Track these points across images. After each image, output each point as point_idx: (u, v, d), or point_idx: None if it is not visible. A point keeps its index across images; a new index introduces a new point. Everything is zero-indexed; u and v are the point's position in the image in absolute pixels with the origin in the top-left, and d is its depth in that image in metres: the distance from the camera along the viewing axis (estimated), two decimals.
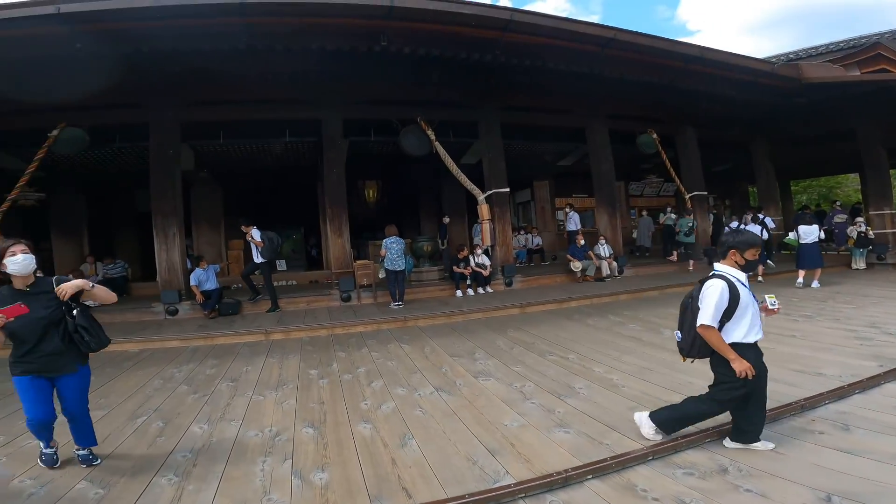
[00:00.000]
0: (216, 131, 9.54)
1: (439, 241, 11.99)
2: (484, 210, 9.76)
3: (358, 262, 9.14)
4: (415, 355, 5.43)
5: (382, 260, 8.40)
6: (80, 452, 2.97)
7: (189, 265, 8.71)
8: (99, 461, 2.98)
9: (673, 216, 12.88)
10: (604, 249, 10.68)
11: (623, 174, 15.29)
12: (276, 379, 4.75)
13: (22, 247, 2.67)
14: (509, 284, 9.85)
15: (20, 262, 2.63)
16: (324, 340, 6.46)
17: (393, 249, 8.28)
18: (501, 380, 4.41)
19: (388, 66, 8.10)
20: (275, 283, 8.78)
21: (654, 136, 11.59)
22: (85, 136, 8.26)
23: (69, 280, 2.79)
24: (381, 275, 8.72)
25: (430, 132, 9.60)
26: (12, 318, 2.59)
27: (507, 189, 10.27)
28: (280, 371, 5.04)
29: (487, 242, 9.82)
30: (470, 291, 9.36)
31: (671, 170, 12.16)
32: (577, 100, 10.70)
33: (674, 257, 11.95)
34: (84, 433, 2.96)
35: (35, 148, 8.03)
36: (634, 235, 15.52)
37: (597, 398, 3.80)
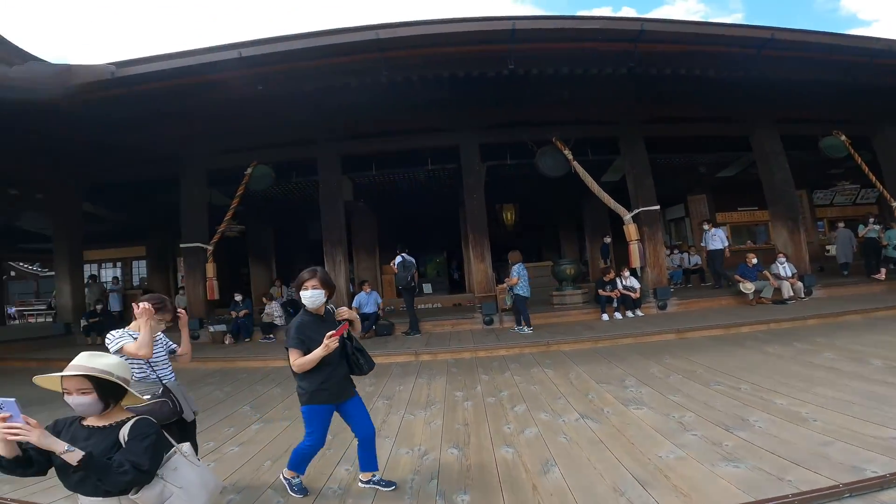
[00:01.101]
0: (369, 163, 10.59)
1: (602, 261, 11.53)
2: (631, 230, 9.17)
3: (500, 285, 9.24)
4: (558, 380, 5.27)
5: (512, 289, 8.26)
6: (375, 478, 2.95)
7: (352, 289, 9.77)
8: (395, 486, 2.94)
9: (877, 227, 10.53)
10: (784, 268, 9.15)
11: (804, 182, 13.10)
12: (425, 399, 4.94)
13: (314, 282, 2.72)
14: (663, 308, 9.03)
15: (309, 297, 2.71)
16: (468, 363, 6.61)
17: (525, 276, 8.22)
18: (656, 409, 4.04)
19: (517, 89, 8.24)
20: (421, 306, 9.31)
21: (843, 137, 9.86)
22: (271, 173, 9.80)
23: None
24: (508, 303, 8.46)
25: (566, 151, 9.43)
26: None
27: (657, 206, 9.53)
28: (428, 392, 5.24)
29: (636, 264, 9.16)
30: (618, 315, 8.79)
31: (870, 174, 10.06)
32: (736, 105, 9.67)
33: (881, 275, 9.72)
34: (373, 456, 2.95)
35: (235, 185, 9.72)
36: (831, 251, 13.00)
37: (777, 432, 3.27)
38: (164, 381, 2.71)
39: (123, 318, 13.17)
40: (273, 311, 9.75)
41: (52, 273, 16.76)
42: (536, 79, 7.59)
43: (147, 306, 2.63)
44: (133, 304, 2.74)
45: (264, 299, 10.18)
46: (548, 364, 6.11)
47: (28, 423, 1.52)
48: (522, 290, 8.15)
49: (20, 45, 7.27)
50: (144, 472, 1.62)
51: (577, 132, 9.64)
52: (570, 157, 9.41)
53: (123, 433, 1.67)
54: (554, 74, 7.49)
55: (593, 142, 10.03)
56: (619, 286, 8.93)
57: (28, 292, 19.89)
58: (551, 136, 9.50)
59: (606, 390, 4.73)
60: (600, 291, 8.97)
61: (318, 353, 2.56)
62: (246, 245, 14.35)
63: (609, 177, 11.00)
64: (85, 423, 1.72)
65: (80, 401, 1.66)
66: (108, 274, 16.77)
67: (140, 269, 16.97)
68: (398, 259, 8.72)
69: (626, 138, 9.73)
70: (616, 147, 9.91)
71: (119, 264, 17.13)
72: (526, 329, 8.06)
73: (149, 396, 2.59)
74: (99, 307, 10.99)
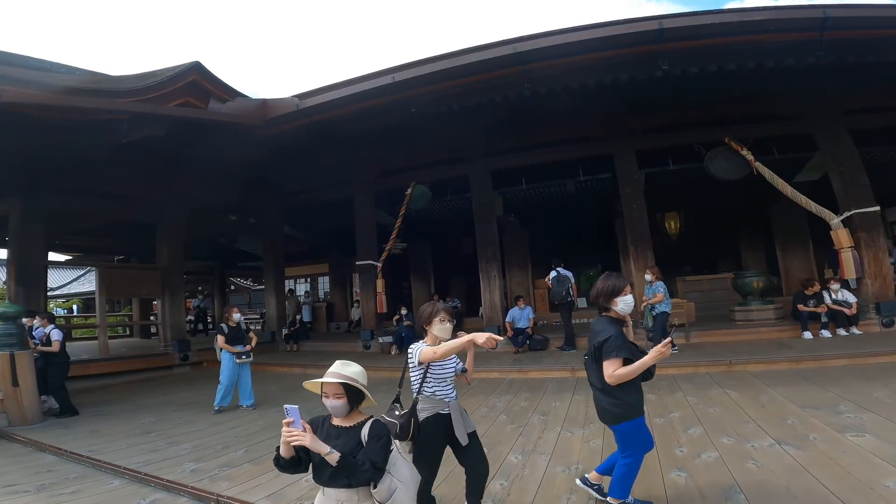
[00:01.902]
0: (518, 177, 10.66)
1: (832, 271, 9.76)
2: (841, 236, 7.62)
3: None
4: (745, 403, 4.58)
5: (650, 308, 7.36)
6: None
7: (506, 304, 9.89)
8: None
9: None
10: None
11: None
12: (583, 416, 4.73)
13: (630, 289, 2.64)
14: (888, 325, 7.29)
15: (629, 302, 2.60)
16: None
17: (668, 292, 7.45)
18: (884, 437, 3.31)
19: (675, 90, 7.64)
20: (577, 321, 8.94)
21: None
22: (428, 192, 10.52)
23: None
24: (650, 324, 7.46)
25: (744, 152, 8.32)
26: None
27: (876, 207, 7.81)
28: (587, 409, 4.99)
29: (851, 275, 7.53)
30: (825, 333, 7.28)
31: None
32: None
33: None
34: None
35: (398, 205, 10.61)
36: None
37: None
38: (447, 400, 2.62)
39: (313, 329, 15.35)
40: None
41: (262, 287, 20.37)
42: (691, 78, 6.94)
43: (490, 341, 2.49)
44: (433, 313, 2.66)
45: None
46: (730, 385, 5.36)
47: (304, 429, 1.80)
48: (668, 307, 7.37)
49: (227, 82, 9.05)
50: (379, 468, 1.84)
51: (755, 130, 8.52)
52: (750, 157, 8.28)
53: (364, 433, 1.90)
54: (718, 71, 6.77)
55: (778, 139, 8.69)
56: (828, 300, 7.41)
57: (243, 304, 24.50)
58: (722, 136, 8.52)
59: (812, 415, 3.98)
60: (800, 307, 7.59)
61: (650, 359, 2.41)
62: (407, 261, 15.57)
63: (804, 176, 9.31)
64: (334, 422, 1.98)
65: (334, 403, 1.92)
66: (301, 289, 19.76)
67: (324, 284, 19.65)
68: (553, 274, 8.56)
69: (824, 132, 8.28)
70: (809, 143, 8.41)
71: (308, 280, 20.07)
72: (673, 349, 7.21)
73: (428, 414, 2.57)
74: (298, 317, 12.95)
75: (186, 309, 13.83)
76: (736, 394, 4.94)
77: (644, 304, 7.41)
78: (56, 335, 6.64)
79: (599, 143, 9.35)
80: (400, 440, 2.43)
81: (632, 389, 2.53)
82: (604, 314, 2.65)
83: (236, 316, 6.51)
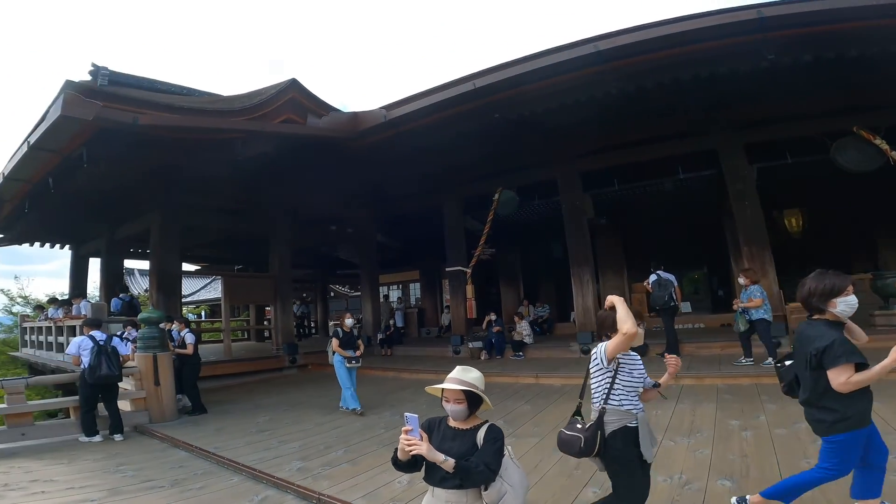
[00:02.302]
0: (609, 178, 10.24)
1: None
2: None
3: (791, 304, 7.59)
4: (891, 416, 4.02)
5: (745, 313, 6.68)
6: None
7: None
8: None
9: None
10: None
11: None
12: (687, 426, 4.49)
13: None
14: None
15: (851, 303, 2.34)
16: (746, 389, 5.65)
17: (766, 297, 6.70)
18: None
19: (784, 80, 6.97)
20: (679, 326, 8.34)
21: None
22: (515, 197, 10.44)
23: None
24: (742, 328, 6.79)
25: (877, 141, 7.32)
26: None
27: None
28: (693, 418, 4.72)
29: None
30: None
31: None
32: None
33: None
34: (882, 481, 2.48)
35: (485, 211, 10.67)
36: None
37: None
38: (635, 412, 2.40)
39: (405, 334, 15.88)
40: (523, 329, 10.22)
41: (358, 294, 21.48)
42: (802, 66, 6.30)
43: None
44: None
45: (516, 318, 10.79)
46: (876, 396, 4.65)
47: (421, 438, 1.86)
48: (767, 313, 6.64)
49: (322, 98, 9.66)
50: (493, 471, 1.89)
51: (889, 117, 7.42)
52: (885, 146, 7.30)
53: (480, 436, 1.95)
54: (836, 59, 6.09)
55: None
56: None
57: (341, 309, 26.11)
58: (847, 126, 7.57)
59: None
60: None
61: (889, 362, 2.13)
62: (495, 267, 15.57)
63: None
64: (450, 424, 2.04)
65: (455, 408, 1.99)
66: (394, 295, 20.57)
67: (415, 290, 20.29)
68: (652, 277, 8.08)
69: None
70: None
71: (400, 286, 20.84)
72: (766, 361, 6.49)
73: (615, 427, 2.36)
74: (391, 322, 13.51)
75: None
76: (879, 404, 4.28)
77: (736, 307, 6.84)
78: (190, 338, 7.48)
79: (701, 138, 8.72)
80: (584, 456, 2.35)
81: (861, 398, 2.29)
82: (816, 317, 2.41)
83: (349, 321, 6.76)
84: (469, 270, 10.96)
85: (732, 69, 6.50)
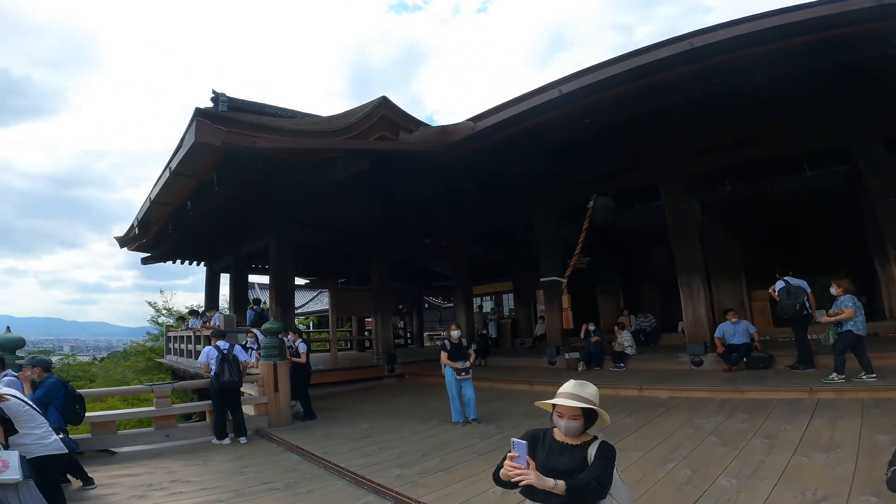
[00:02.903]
0: (720, 179, 9.40)
1: None
2: None
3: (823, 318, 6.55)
4: None
5: (838, 326, 5.94)
6: None
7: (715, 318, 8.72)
8: None
9: None
10: None
11: None
12: (825, 441, 4.05)
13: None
14: None
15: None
16: None
17: (861, 309, 5.87)
18: None
19: None
20: (815, 337, 7.34)
21: None
22: (612, 204, 9.95)
23: None
24: (831, 340, 6.05)
25: None
26: None
27: None
28: (832, 433, 4.24)
29: None
30: None
31: None
32: None
33: None
34: None
35: (580, 219, 10.21)
36: None
37: None
38: None
39: (498, 344, 15.78)
40: (624, 340, 9.72)
41: (451, 305, 21.74)
42: None
43: None
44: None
45: (616, 328, 10.24)
46: None
47: (528, 465, 1.75)
48: (858, 327, 5.83)
49: (409, 112, 9.96)
50: (605, 487, 1.83)
51: None
52: None
53: (591, 452, 1.88)
54: None
55: None
56: None
57: (434, 321, 26.62)
58: None
59: None
60: None
61: None
62: (593, 275, 14.93)
63: None
64: (557, 437, 1.96)
65: (571, 425, 1.90)
66: (486, 306, 20.60)
67: (508, 301, 20.13)
68: (779, 284, 7.27)
69: None
70: None
71: (492, 297, 20.82)
72: (864, 377, 5.71)
73: None
74: (484, 332, 13.54)
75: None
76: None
77: (828, 319, 6.08)
78: (303, 347, 8.06)
79: (828, 132, 7.79)
80: None
81: None
82: None
83: (455, 333, 6.71)
84: (564, 280, 10.62)
85: (863, 57, 5.82)
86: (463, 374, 6.48)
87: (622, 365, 9.27)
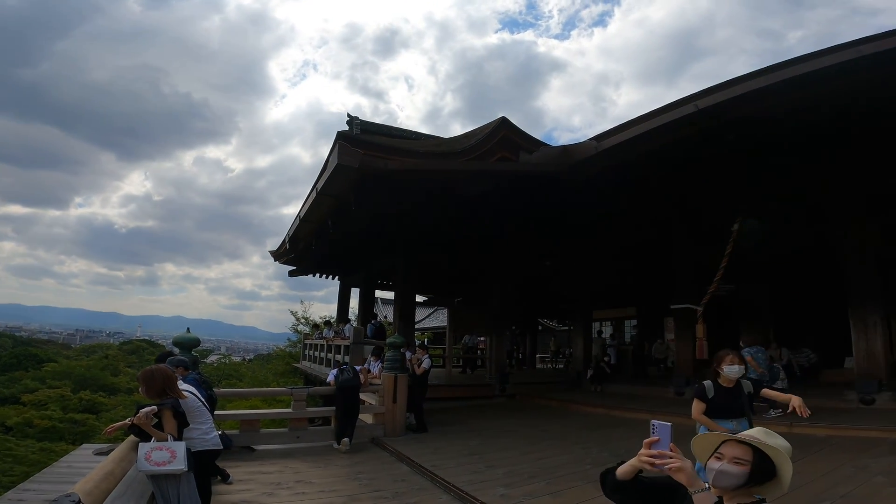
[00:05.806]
0: None
1: None
2: None
3: None
4: None
5: None
6: None
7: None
8: None
9: None
10: None
11: None
12: None
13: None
14: None
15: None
16: None
17: None
18: None
19: None
20: None
21: None
22: (762, 226, 8.80)
23: None
24: None
25: None
26: None
27: None
28: None
29: None
30: None
31: None
32: None
33: None
34: None
35: (722, 242, 9.11)
36: None
37: None
38: None
39: (619, 371, 14.78)
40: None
41: (566, 328, 20.86)
42: None
43: None
44: None
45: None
46: None
47: (674, 453, 1.41)
48: None
49: (530, 133, 9.76)
50: None
51: None
52: None
53: None
54: None
55: None
56: None
57: (545, 343, 25.73)
58: None
59: None
60: None
61: None
62: (732, 303, 13.33)
63: None
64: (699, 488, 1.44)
65: (728, 469, 1.44)
66: (606, 332, 19.43)
67: (629, 328, 18.80)
68: None
69: None
70: None
71: (612, 323, 19.60)
72: None
73: None
74: (606, 359, 12.82)
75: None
76: None
77: None
78: (427, 363, 8.34)
79: None
80: None
81: None
82: None
83: (734, 370, 5.46)
84: (700, 308, 9.62)
85: None
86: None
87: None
